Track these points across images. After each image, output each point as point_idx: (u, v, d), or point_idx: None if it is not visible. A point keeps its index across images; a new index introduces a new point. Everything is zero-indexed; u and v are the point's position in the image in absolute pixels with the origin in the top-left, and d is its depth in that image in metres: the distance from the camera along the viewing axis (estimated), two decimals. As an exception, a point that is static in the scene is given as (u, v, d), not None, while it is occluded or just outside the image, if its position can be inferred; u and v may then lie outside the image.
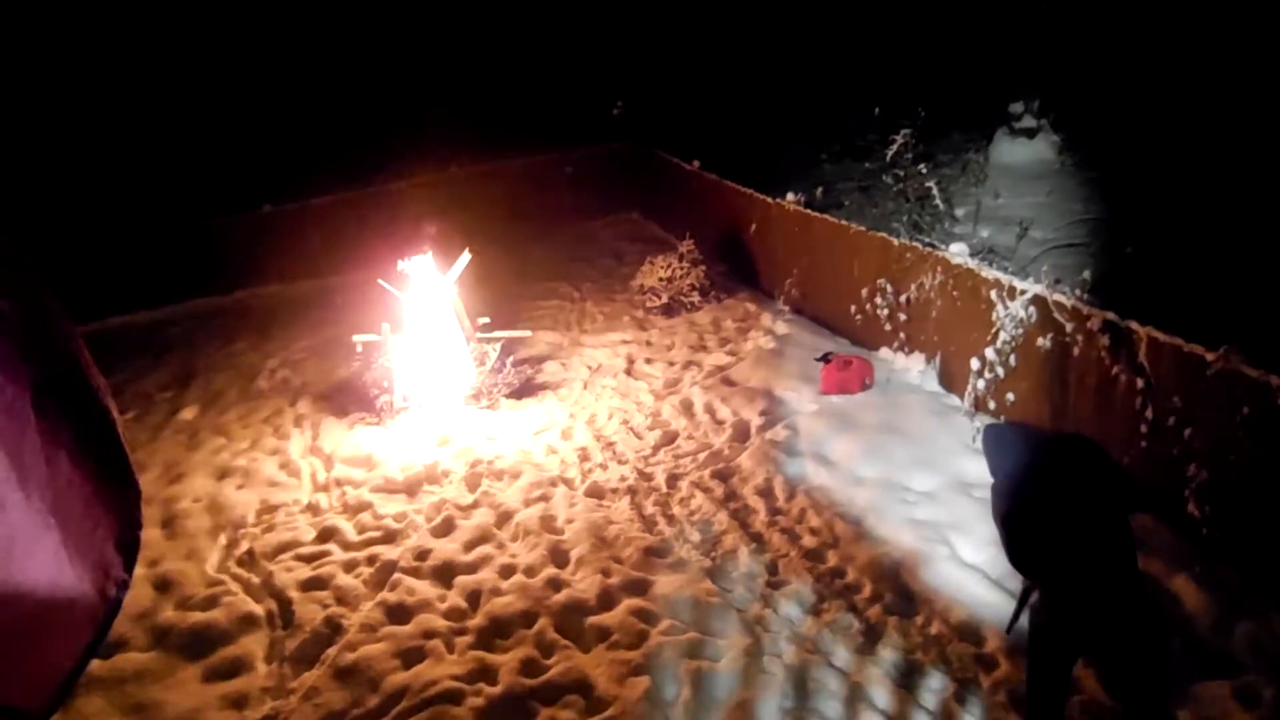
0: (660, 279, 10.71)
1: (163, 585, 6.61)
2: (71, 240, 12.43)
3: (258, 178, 13.93)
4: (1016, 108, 13.72)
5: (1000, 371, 7.10)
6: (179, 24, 14.89)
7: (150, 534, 7.29)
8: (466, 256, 9.09)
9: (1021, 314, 6.92)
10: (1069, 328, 6.54)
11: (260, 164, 14.41)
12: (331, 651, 5.71)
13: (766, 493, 6.95)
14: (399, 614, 5.97)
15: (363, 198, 13.17)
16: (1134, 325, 6.08)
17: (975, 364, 7.28)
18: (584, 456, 7.78)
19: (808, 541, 6.33)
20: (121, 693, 5.56)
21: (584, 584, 6.05)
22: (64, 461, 2.17)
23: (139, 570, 6.70)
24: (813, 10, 16.70)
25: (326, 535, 6.99)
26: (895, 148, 10.47)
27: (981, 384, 7.25)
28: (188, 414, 9.44)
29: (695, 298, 10.63)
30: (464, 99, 15.71)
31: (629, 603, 5.82)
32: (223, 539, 7.13)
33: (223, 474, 8.12)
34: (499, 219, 13.14)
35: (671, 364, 9.39)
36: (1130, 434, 6.11)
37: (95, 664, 5.82)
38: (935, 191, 10.24)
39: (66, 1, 14.10)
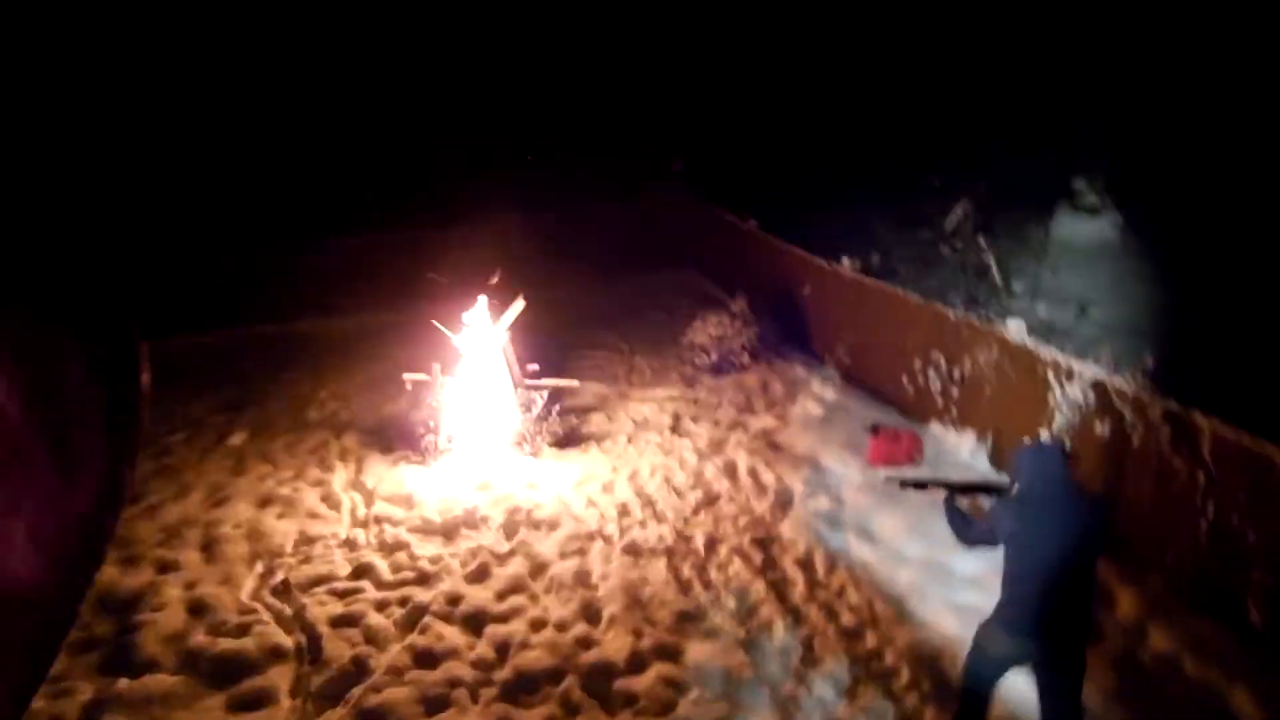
0: (711, 336, 10.69)
1: (197, 609, 6.63)
2: (138, 260, 12.78)
3: (326, 211, 14.28)
4: (1079, 184, 13.59)
5: (1055, 456, 6.91)
6: (260, 56, 15.41)
7: (189, 556, 7.36)
8: (520, 303, 9.17)
9: (1079, 397, 6.76)
10: (1128, 415, 6.36)
11: (330, 198, 14.77)
12: (356, 692, 5.66)
13: (806, 564, 6.81)
14: (426, 659, 5.92)
15: (426, 237, 13.39)
16: (1197, 417, 5.90)
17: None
18: (624, 512, 7.71)
19: (846, 619, 6.17)
20: (147, 714, 5.56)
21: (615, 644, 5.95)
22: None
23: (174, 591, 6.78)
24: (879, 80, 16.77)
25: (361, 572, 6.98)
26: (954, 219, 10.40)
27: (1034, 467, 7.05)
28: (237, 439, 9.56)
29: (745, 358, 10.58)
30: (529, 148, 15.97)
31: (659, 668, 5.71)
32: (259, 567, 7.16)
33: (265, 501, 8.18)
34: (554, 267, 13.26)
35: (717, 424, 9.32)
36: (1190, 530, 5.89)
37: (123, 683, 5.85)
38: (993, 265, 10.13)
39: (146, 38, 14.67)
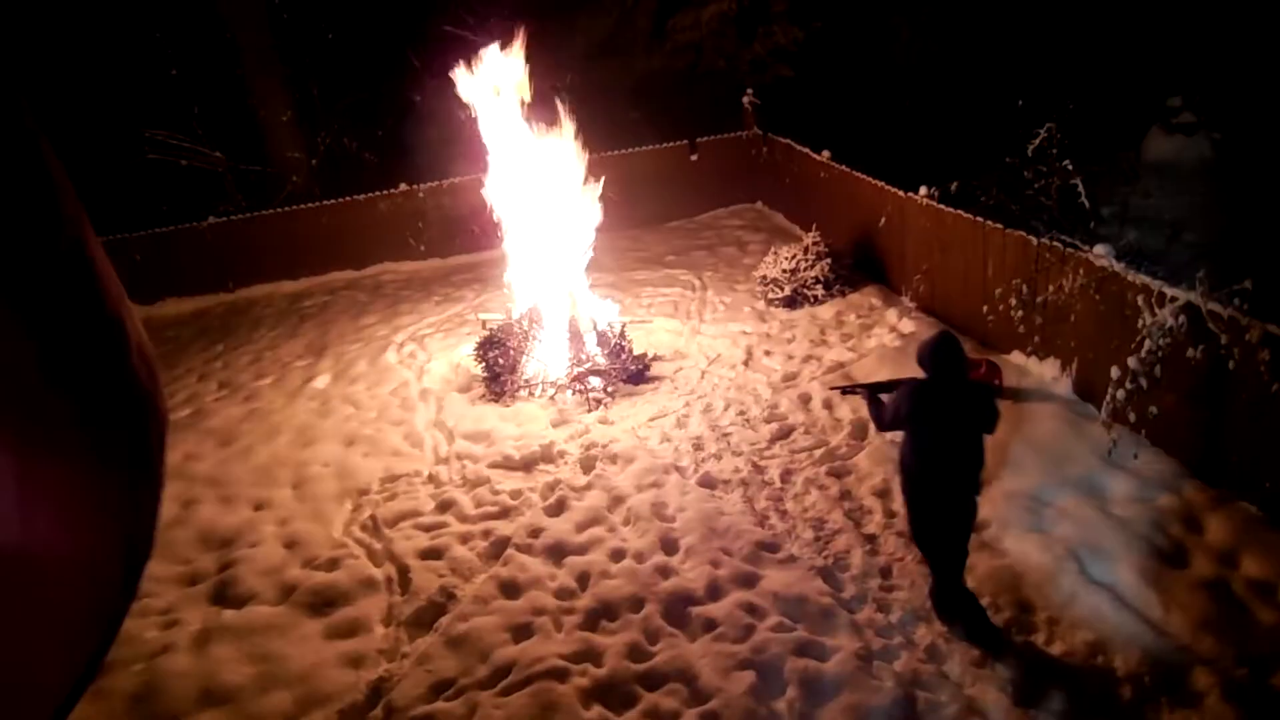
0: (784, 270, 10.56)
1: (291, 544, 6.95)
2: (220, 212, 13.21)
3: (401, 159, 14.46)
4: (1174, 102, 12.91)
5: (1143, 382, 6.68)
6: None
7: (282, 495, 7.68)
8: (588, 240, 9.20)
9: (1171, 322, 6.49)
10: (1224, 339, 6.10)
11: (399, 148, 14.93)
12: (445, 620, 5.88)
13: (883, 494, 6.76)
14: (510, 589, 6.10)
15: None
16: (1300, 339, 5.63)
17: (1116, 373, 6.88)
18: (698, 446, 7.75)
19: (925, 547, 6.13)
20: (250, 642, 5.87)
21: (693, 573, 6.03)
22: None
23: (269, 528, 7.09)
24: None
25: (445, 507, 7.20)
26: (1038, 142, 9.99)
27: (1122, 394, 6.84)
28: (320, 382, 9.87)
29: (819, 290, 10.43)
30: (593, 85, 15.80)
31: (737, 595, 5.77)
32: (348, 504, 7.43)
33: (351, 441, 8.45)
34: (624, 205, 13.21)
35: (791, 357, 9.25)
36: (1288, 456, 5.67)
37: (229, 614, 6.18)
38: (1080, 189, 9.72)
39: None
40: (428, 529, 6.93)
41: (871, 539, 6.28)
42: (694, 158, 14.35)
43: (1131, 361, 6.75)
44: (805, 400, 8.32)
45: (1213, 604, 5.26)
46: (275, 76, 14.97)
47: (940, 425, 5.06)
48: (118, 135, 13.67)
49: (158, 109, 14.47)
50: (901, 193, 10.16)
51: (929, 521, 5.24)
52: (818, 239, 10.80)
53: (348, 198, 13.45)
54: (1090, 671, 4.96)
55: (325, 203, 13.45)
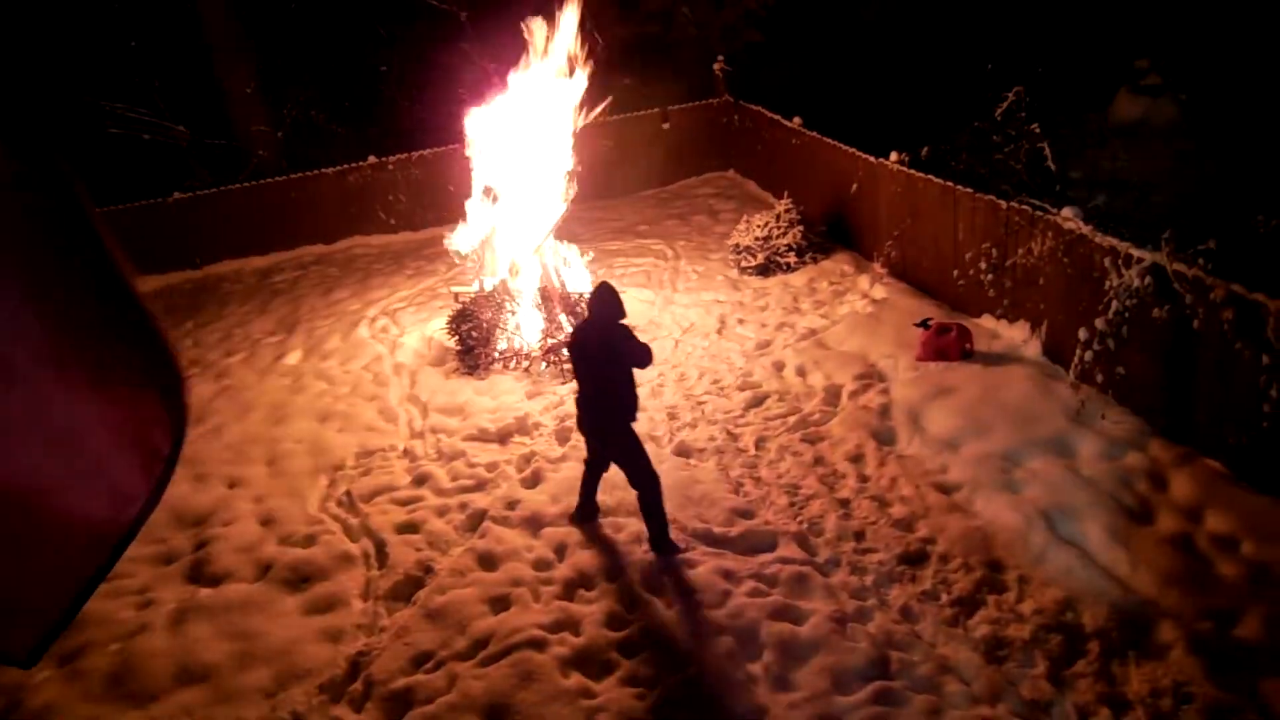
0: (756, 238, 10.56)
1: (267, 521, 6.91)
2: (185, 187, 12.98)
3: (365, 132, 14.25)
4: (1141, 63, 12.98)
5: (1111, 343, 6.78)
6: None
7: (256, 472, 7.63)
8: (559, 211, 9.12)
9: (1137, 283, 6.57)
10: (1189, 299, 6.18)
11: (369, 119, 14.72)
12: (423, 593, 5.89)
13: (856, 459, 6.83)
14: (488, 561, 6.11)
15: (463, 152, 13.30)
16: (1262, 299, 5.71)
17: (1083, 334, 6.97)
18: (672, 415, 7.78)
19: (897, 511, 6.21)
20: (227, 620, 5.86)
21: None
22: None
23: (244, 506, 7.05)
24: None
25: (421, 480, 7.19)
26: (1006, 105, 10.02)
27: (1090, 355, 6.94)
28: (292, 359, 9.79)
29: (791, 258, 10.45)
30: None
31: (713, 562, 5.82)
32: (323, 480, 7.39)
33: (324, 417, 8.40)
34: (594, 175, 13.11)
35: (764, 325, 9.28)
36: (1251, 414, 5.77)
37: (204, 592, 6.16)
38: (1048, 152, 9.77)
39: None
40: (404, 503, 6.93)
41: (845, 503, 6.35)
42: (666, 126, 14.26)
43: (1099, 323, 6.84)
44: (779, 368, 8.35)
45: (1178, 559, 5.37)
46: (238, 47, 14.67)
47: (585, 360, 5.81)
48: (76, 109, 13.37)
49: (117, 81, 14.17)
50: (872, 158, 10.16)
51: (590, 447, 6.09)
52: (790, 206, 10.80)
53: (316, 171, 13.26)
54: (1060, 627, 5.06)
55: (293, 176, 13.26)
